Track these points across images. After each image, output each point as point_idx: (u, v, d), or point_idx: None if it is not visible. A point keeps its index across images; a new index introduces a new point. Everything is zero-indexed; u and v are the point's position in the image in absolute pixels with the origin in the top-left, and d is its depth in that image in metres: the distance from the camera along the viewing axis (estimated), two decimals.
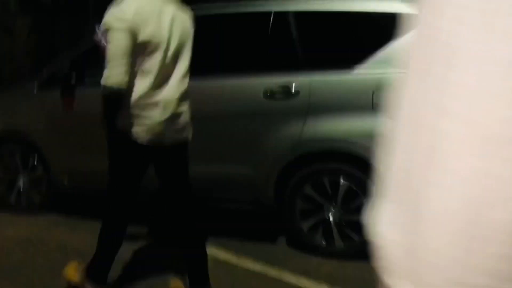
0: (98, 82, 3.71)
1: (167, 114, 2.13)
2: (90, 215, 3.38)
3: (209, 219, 3.44)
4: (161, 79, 2.12)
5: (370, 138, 2.64)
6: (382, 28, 2.74)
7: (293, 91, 2.81)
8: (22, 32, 13.28)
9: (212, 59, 3.33)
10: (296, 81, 2.83)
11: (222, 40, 3.15)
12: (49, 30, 12.63)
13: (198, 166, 3.13)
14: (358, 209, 2.77)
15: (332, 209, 2.85)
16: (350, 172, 2.75)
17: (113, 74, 1.98)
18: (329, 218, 2.86)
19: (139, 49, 2.02)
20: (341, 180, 2.78)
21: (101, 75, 2.03)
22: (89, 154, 3.39)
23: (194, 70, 3.16)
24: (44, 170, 3.63)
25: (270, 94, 2.86)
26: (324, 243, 2.89)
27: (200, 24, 3.16)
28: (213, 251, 2.85)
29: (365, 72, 2.69)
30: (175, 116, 2.17)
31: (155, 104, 2.09)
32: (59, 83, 3.39)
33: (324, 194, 2.85)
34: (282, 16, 2.94)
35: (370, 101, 2.64)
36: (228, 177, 3.08)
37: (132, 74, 2.03)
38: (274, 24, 2.95)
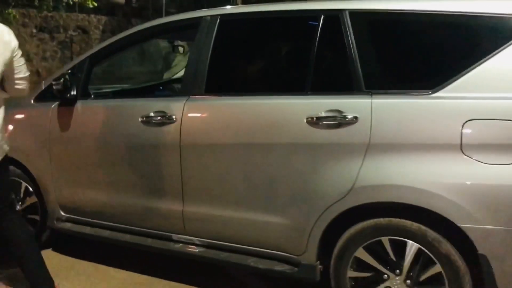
0: (103, 94, 3.15)
1: None
2: None
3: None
4: None
5: (456, 189, 1.92)
6: (476, 37, 2.03)
7: (348, 117, 2.10)
8: (96, 31, 13.22)
9: (241, 73, 2.65)
10: (353, 105, 2.12)
11: (254, 50, 2.46)
12: (123, 31, 12.62)
13: (221, 210, 2.44)
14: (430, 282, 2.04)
15: (396, 280, 2.11)
16: (425, 236, 2.01)
17: None
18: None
19: None
20: (412, 244, 2.03)
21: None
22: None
23: (218, 86, 2.50)
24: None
25: (316, 121, 2.16)
26: None
27: (224, 29, 2.50)
28: None
29: (450, 96, 1.98)
30: None
31: None
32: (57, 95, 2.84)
33: (385, 260, 2.12)
34: (333, 17, 2.24)
35: (458, 138, 1.92)
36: (258, 227, 2.37)
37: None
38: (323, 27, 2.25)
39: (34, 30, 11.74)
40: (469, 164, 1.90)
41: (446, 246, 1.97)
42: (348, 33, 2.17)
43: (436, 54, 2.08)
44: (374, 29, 2.17)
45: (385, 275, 2.12)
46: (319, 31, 2.25)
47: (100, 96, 3.04)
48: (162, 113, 2.54)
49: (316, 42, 2.25)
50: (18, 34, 8.08)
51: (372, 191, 2.07)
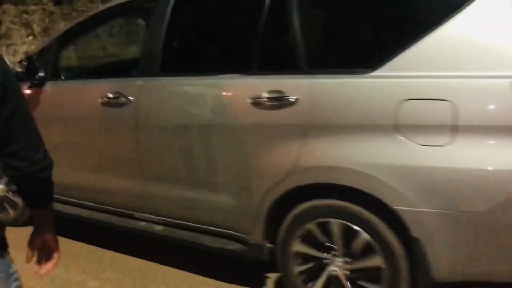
0: (75, 75, 3.19)
1: None
2: None
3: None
4: None
5: (390, 171, 1.88)
6: (415, 13, 1.94)
7: (289, 98, 2.07)
8: None
9: (192, 53, 2.63)
10: (294, 86, 2.08)
11: (204, 29, 2.43)
12: None
13: (175, 189, 2.48)
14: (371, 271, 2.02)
15: (338, 260, 2.11)
16: (363, 218, 1.98)
17: None
18: (330, 271, 2.11)
19: None
20: (353, 226, 2.01)
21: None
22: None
23: (160, 66, 2.49)
24: None
25: (259, 101, 2.13)
26: None
27: (178, 8, 2.46)
28: None
29: (388, 75, 1.90)
30: None
31: None
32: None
33: (330, 239, 2.11)
34: None
35: (394, 118, 1.86)
36: (209, 206, 2.40)
37: None
38: (267, 4, 2.18)
39: (101, 5, 11.12)
40: (404, 145, 1.84)
41: (383, 229, 1.94)
42: (292, 11, 2.11)
43: (376, 30, 2.01)
44: (317, 7, 2.10)
45: (326, 257, 2.11)
46: (264, 8, 2.19)
47: (71, 76, 3.09)
48: (120, 94, 2.57)
49: (261, 20, 2.19)
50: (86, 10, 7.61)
51: (311, 172, 2.05)
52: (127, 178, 2.65)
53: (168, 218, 2.57)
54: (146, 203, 2.62)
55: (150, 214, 2.63)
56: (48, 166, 1.23)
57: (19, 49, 8.90)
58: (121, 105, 2.56)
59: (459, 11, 1.78)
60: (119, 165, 2.68)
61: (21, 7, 8.99)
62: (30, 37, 9.26)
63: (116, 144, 2.65)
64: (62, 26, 7.31)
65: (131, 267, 2.75)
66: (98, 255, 2.91)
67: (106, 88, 2.64)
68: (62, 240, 2.97)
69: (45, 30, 9.76)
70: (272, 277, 2.53)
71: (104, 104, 2.62)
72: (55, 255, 1.30)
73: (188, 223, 2.51)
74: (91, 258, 2.89)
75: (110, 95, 2.59)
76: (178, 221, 2.54)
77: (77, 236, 3.07)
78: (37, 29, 9.56)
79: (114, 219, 2.78)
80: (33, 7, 9.58)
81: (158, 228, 2.62)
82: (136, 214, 2.69)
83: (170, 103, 2.44)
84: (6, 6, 9.03)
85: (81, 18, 3.00)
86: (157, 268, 2.72)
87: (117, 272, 2.71)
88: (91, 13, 2.98)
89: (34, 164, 1.17)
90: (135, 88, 2.52)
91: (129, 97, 2.52)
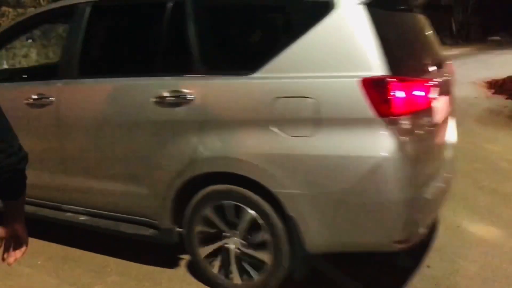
0: (5, 78, 3.34)
1: None
2: None
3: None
4: None
5: (266, 159, 2.17)
6: (286, 24, 2.24)
7: (186, 97, 2.34)
8: None
9: (105, 57, 2.87)
10: (191, 86, 2.35)
11: (105, 33, 2.67)
12: None
13: (93, 182, 2.72)
14: (260, 245, 2.32)
15: (234, 238, 2.40)
16: (251, 200, 2.27)
17: None
18: (228, 249, 2.41)
19: None
20: (245, 208, 2.30)
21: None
22: None
23: (78, 69, 2.72)
24: None
25: (161, 100, 2.39)
26: (221, 275, 2.44)
27: (94, 16, 2.69)
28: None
29: (263, 76, 2.18)
30: None
31: None
32: None
33: (226, 221, 2.40)
34: (179, 2, 2.43)
35: (267, 113, 2.15)
36: (123, 197, 2.65)
37: None
38: (168, 14, 2.44)
39: None
40: (278, 137, 2.14)
41: (267, 209, 2.23)
42: (189, 21, 2.37)
43: (256, 38, 2.30)
44: (209, 18, 2.38)
45: (225, 236, 2.40)
46: (164, 19, 2.45)
47: (1, 79, 3.27)
48: (42, 95, 2.78)
49: (163, 29, 2.46)
50: None
51: (206, 163, 2.33)
52: (52, 173, 2.87)
53: (91, 208, 2.80)
54: (71, 195, 2.84)
55: (76, 206, 2.86)
56: (24, 157, 1.21)
57: (18, 52, 8.85)
58: (44, 105, 2.77)
59: (318, 23, 2.09)
60: (45, 161, 2.88)
61: (19, 10, 9.00)
62: (29, 40, 9.30)
63: (41, 142, 2.86)
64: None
65: (137, 271, 2.72)
66: (103, 259, 2.87)
67: (31, 90, 2.85)
68: (65, 245, 3.09)
69: (44, 33, 9.79)
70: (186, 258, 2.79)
71: (29, 105, 2.82)
72: (24, 244, 1.30)
73: (109, 213, 2.76)
74: (96, 261, 2.85)
75: (34, 96, 2.80)
76: (100, 211, 2.78)
77: (80, 241, 3.07)
78: (36, 32, 9.55)
79: (44, 211, 2.99)
80: (31, 10, 9.56)
81: (83, 218, 2.85)
82: (64, 206, 2.92)
83: (87, 103, 2.67)
84: (4, 8, 9.03)
85: (11, 23, 3.19)
86: (163, 271, 2.69)
87: (123, 275, 2.69)
88: (20, 18, 3.18)
89: (10, 156, 1.16)
90: (56, 90, 2.74)
91: (51, 98, 2.74)
